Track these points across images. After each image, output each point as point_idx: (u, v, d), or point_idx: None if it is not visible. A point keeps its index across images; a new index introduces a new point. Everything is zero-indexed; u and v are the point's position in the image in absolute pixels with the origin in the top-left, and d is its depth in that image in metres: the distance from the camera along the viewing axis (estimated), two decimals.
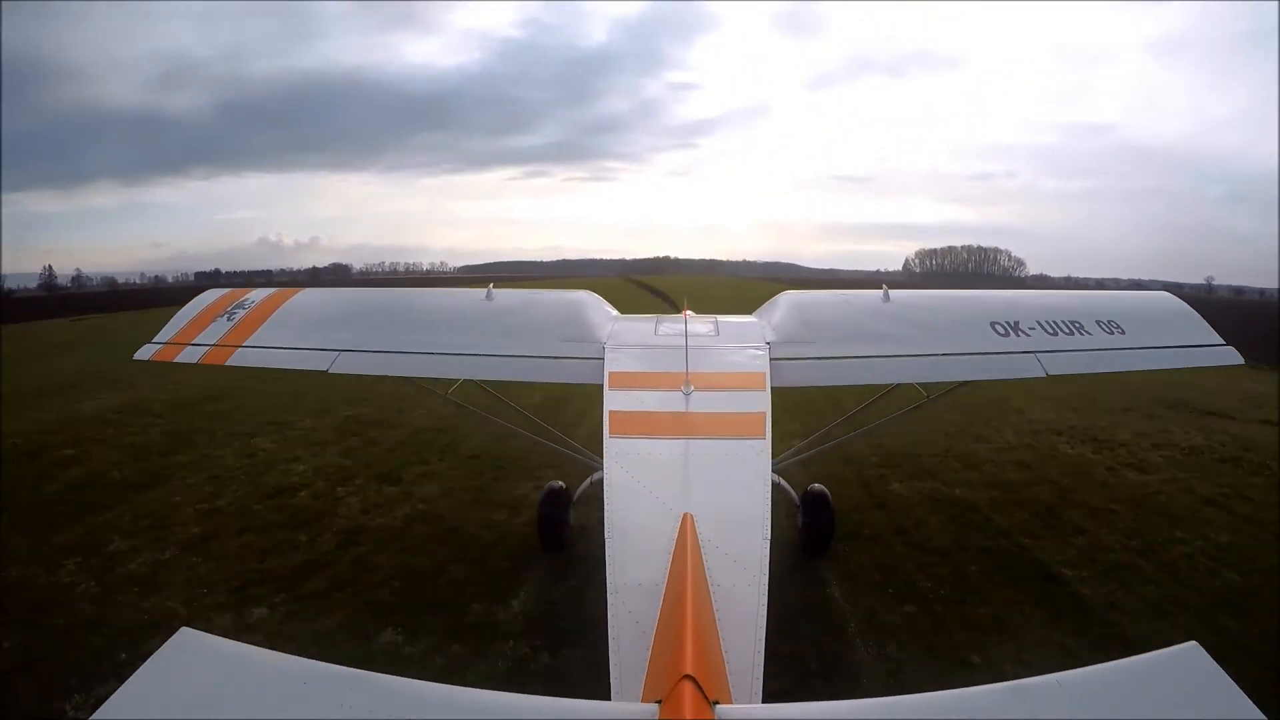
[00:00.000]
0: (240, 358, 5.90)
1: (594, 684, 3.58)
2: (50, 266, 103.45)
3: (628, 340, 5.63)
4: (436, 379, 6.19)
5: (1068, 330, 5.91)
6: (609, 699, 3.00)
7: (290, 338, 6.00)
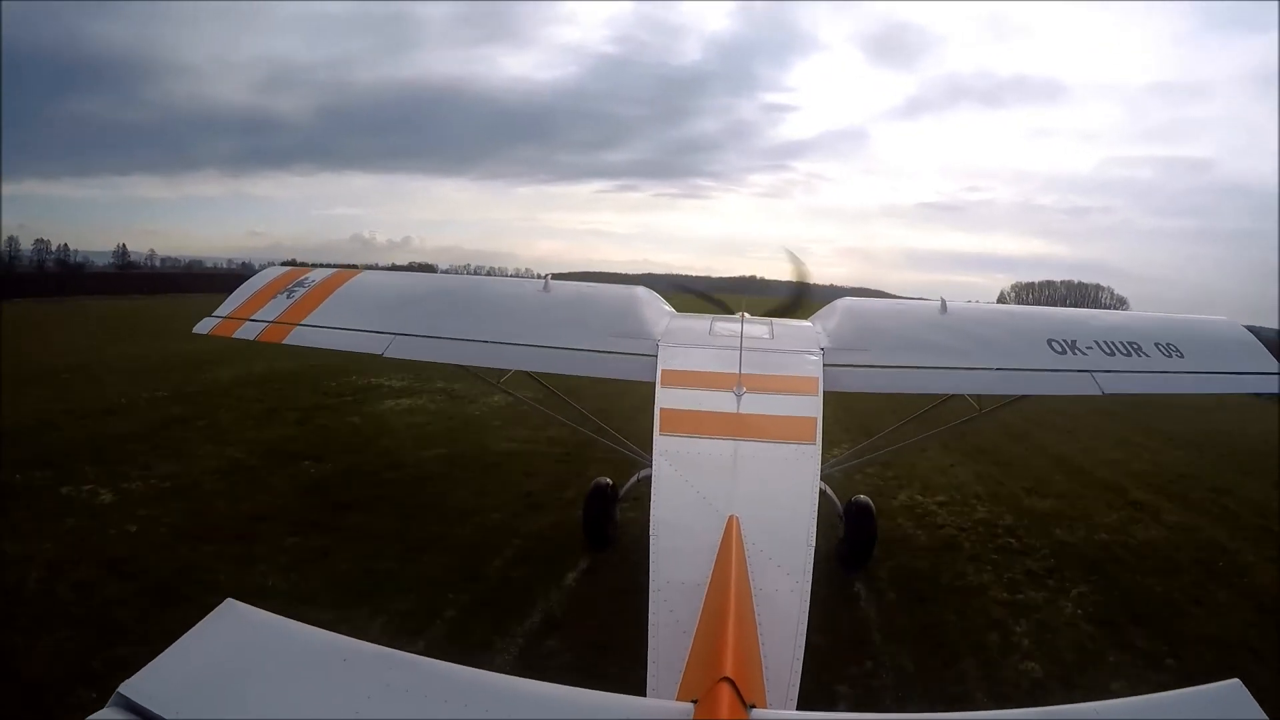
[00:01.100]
0: (298, 336, 5.99)
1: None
2: (124, 245, 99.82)
3: (682, 338, 5.63)
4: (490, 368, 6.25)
5: (1125, 351, 5.81)
6: (644, 695, 3.03)
7: (348, 319, 6.06)
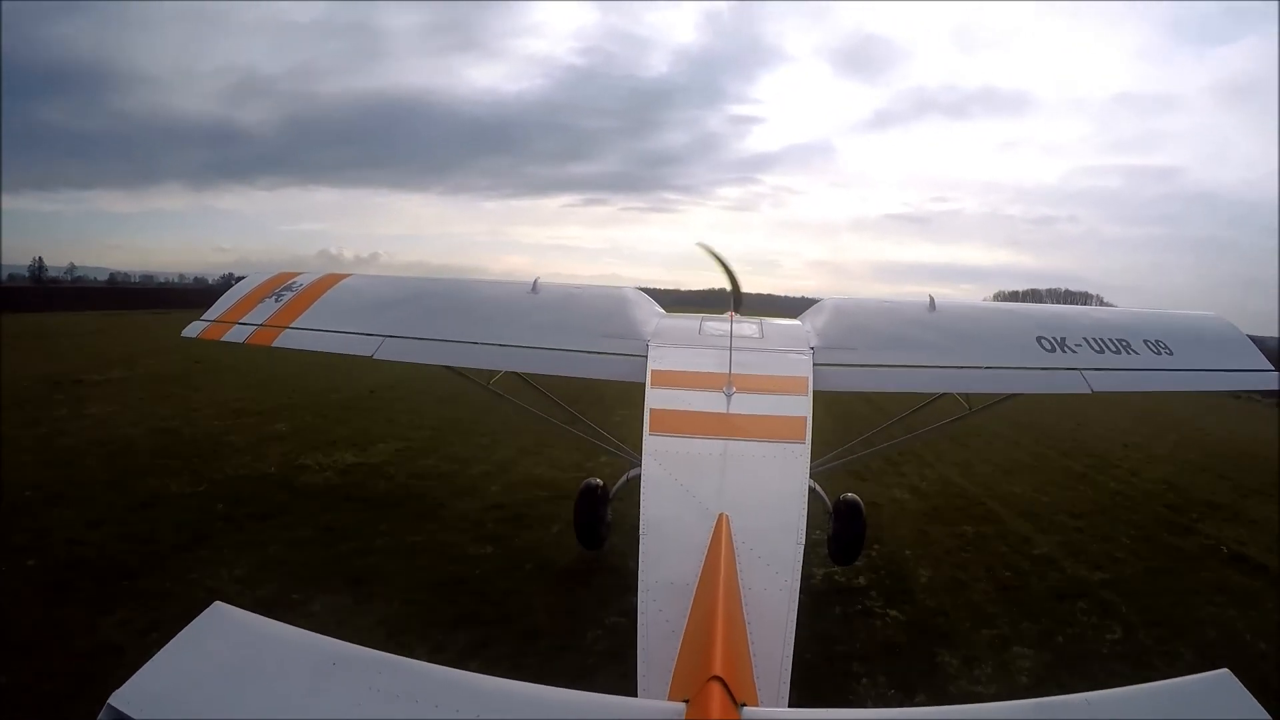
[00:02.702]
0: (287, 339, 6.00)
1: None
2: (40, 258, 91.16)
3: (672, 339, 5.63)
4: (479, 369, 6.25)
5: (1115, 348, 5.83)
6: (635, 695, 3.02)
7: (336, 322, 6.06)
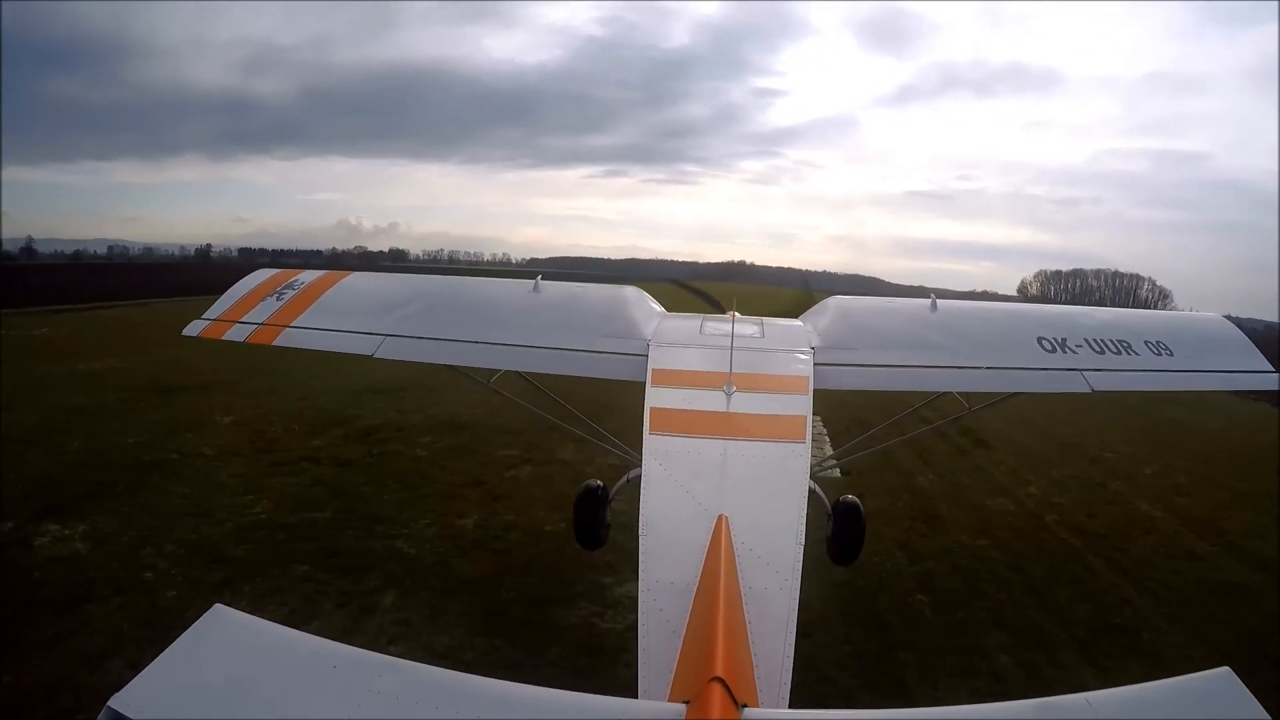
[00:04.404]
0: (287, 338, 5.95)
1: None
2: None
3: (672, 338, 5.63)
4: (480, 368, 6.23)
5: (1115, 349, 5.82)
6: (636, 696, 3.02)
7: (337, 321, 6.04)
